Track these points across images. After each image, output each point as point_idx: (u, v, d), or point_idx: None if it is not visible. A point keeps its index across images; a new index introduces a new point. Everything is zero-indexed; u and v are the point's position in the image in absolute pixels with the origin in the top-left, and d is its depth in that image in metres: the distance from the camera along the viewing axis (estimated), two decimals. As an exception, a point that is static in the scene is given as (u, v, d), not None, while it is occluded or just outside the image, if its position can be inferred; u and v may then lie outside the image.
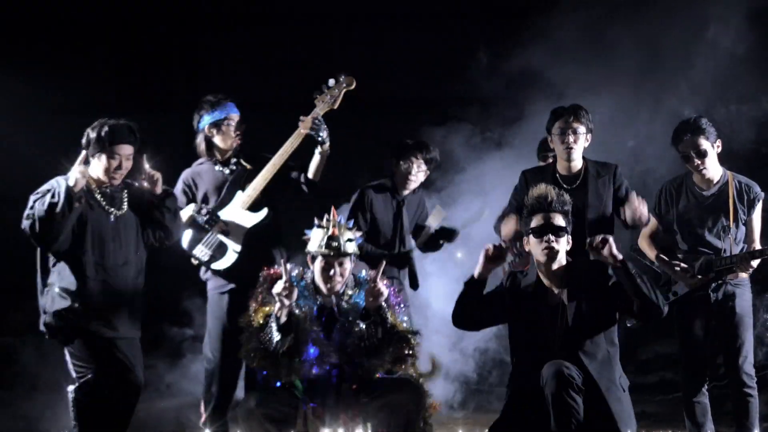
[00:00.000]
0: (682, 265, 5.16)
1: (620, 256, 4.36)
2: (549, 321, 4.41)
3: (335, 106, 5.44)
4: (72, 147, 8.05)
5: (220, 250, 5.39)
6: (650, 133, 6.80)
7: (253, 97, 7.23)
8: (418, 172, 5.77)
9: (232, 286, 5.40)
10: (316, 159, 5.46)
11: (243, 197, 5.42)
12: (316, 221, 4.61)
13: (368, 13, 8.52)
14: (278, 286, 4.43)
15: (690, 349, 5.22)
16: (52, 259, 4.81)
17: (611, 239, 4.40)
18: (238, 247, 5.38)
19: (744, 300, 5.16)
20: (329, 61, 8.20)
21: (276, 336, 4.40)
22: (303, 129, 5.37)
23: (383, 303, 4.51)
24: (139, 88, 8.56)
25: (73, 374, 4.77)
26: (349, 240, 4.57)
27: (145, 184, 4.91)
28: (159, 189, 4.94)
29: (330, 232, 4.53)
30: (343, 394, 4.49)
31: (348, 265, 4.59)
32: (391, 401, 4.45)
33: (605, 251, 4.37)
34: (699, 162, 5.13)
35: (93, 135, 4.79)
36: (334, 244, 4.52)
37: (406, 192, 5.82)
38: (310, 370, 4.50)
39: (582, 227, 4.85)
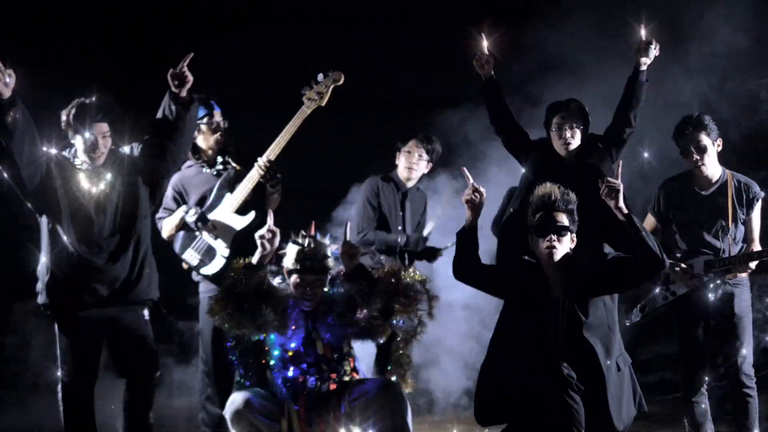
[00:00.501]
0: (682, 265, 5.16)
1: (626, 210, 4.33)
2: (551, 314, 4.40)
3: (323, 103, 5.35)
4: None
5: (208, 255, 5.35)
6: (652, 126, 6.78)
7: (253, 97, 7.24)
8: (420, 161, 5.80)
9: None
10: (269, 199, 5.35)
11: (231, 199, 5.36)
12: (292, 236, 4.61)
13: (369, 13, 8.52)
14: (262, 230, 4.42)
15: (689, 350, 5.22)
16: (45, 239, 4.76)
17: (621, 189, 4.34)
18: (227, 252, 5.32)
19: (743, 300, 5.17)
20: (330, 61, 8.18)
21: (251, 283, 4.40)
22: (256, 172, 5.25)
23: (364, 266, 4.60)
24: (139, 88, 8.55)
25: (60, 367, 4.75)
26: (325, 256, 4.57)
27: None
28: (184, 92, 4.82)
29: (306, 250, 4.53)
30: (324, 396, 4.50)
31: (324, 281, 4.59)
32: (371, 404, 4.45)
33: (613, 202, 4.33)
34: (698, 158, 5.13)
35: (65, 117, 4.77)
36: (308, 263, 4.53)
37: (409, 183, 5.86)
38: (285, 369, 4.50)
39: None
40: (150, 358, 4.85)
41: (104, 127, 4.74)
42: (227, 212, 5.34)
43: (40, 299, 4.77)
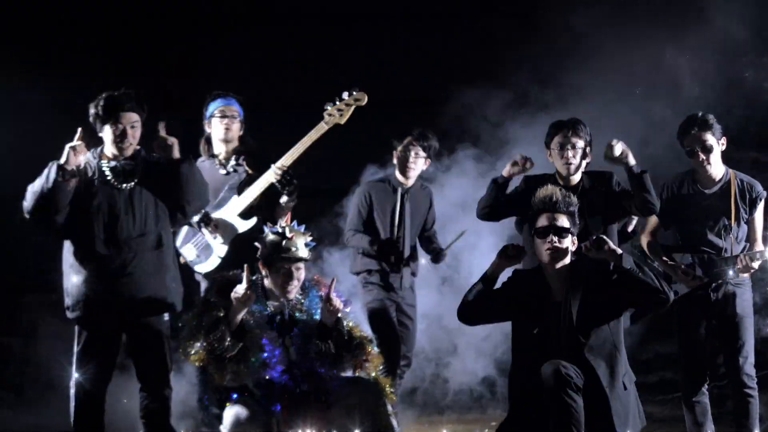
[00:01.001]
0: (683, 266, 5.16)
1: (619, 251, 4.37)
2: (552, 320, 4.40)
3: (342, 122, 5.34)
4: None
5: (205, 253, 5.36)
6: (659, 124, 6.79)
7: (253, 98, 7.21)
8: (417, 159, 5.72)
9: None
10: (282, 207, 5.34)
11: (238, 202, 5.37)
12: (269, 228, 4.63)
13: (369, 13, 8.52)
14: (239, 290, 4.42)
15: (690, 349, 5.22)
16: (67, 241, 4.73)
17: (604, 237, 4.42)
18: (223, 253, 5.33)
19: (744, 300, 5.16)
20: (330, 61, 8.21)
21: (227, 341, 4.39)
22: (272, 177, 5.25)
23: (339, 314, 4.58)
24: (139, 89, 8.54)
25: (75, 366, 4.70)
26: (306, 245, 4.60)
27: (160, 151, 4.76)
28: (175, 154, 4.77)
29: (289, 236, 4.55)
30: (302, 399, 4.50)
31: (303, 270, 4.62)
32: (352, 403, 4.47)
33: (603, 250, 4.36)
34: (704, 157, 5.13)
35: (93, 110, 4.72)
36: (293, 249, 4.54)
37: (408, 182, 5.78)
38: (259, 373, 4.50)
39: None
40: (163, 371, 4.81)
41: (134, 116, 4.70)
42: (232, 214, 5.34)
43: (70, 314, 4.73)
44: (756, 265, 5.12)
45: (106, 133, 4.71)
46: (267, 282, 4.62)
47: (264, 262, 4.62)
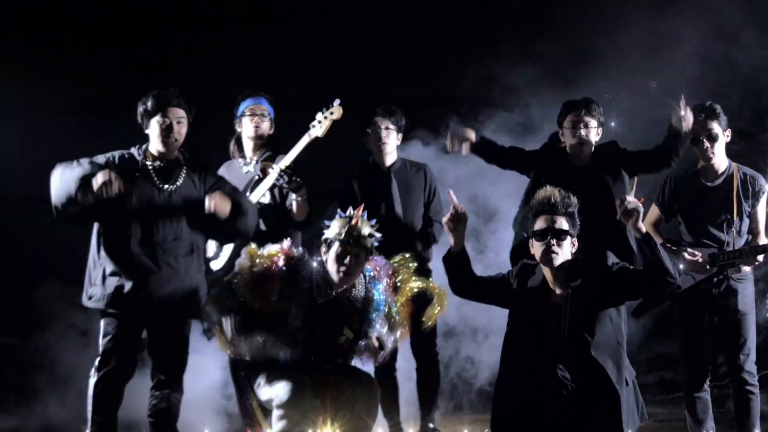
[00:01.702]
0: (689, 250, 5.13)
1: (644, 229, 4.29)
2: (552, 320, 4.35)
3: (321, 134, 5.34)
4: (71, 147, 8.08)
5: (220, 249, 5.36)
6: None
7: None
8: (388, 134, 5.55)
9: None
10: (293, 205, 5.29)
11: None
12: (339, 213, 4.61)
13: (369, 13, 8.52)
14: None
15: (692, 344, 5.19)
16: (98, 232, 4.71)
17: (641, 210, 4.29)
18: (230, 252, 5.31)
19: (747, 296, 5.14)
20: (330, 61, 8.21)
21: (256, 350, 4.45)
22: (272, 179, 5.23)
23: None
24: (139, 89, 8.54)
25: (98, 360, 4.66)
26: (370, 235, 4.57)
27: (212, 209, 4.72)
28: (226, 209, 4.73)
29: (353, 222, 4.54)
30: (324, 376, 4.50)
31: (363, 259, 4.57)
32: (354, 395, 4.50)
33: (632, 221, 4.28)
34: (708, 145, 5.12)
35: (141, 106, 4.77)
36: (354, 233, 4.52)
37: (388, 160, 5.61)
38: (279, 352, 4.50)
39: (596, 212, 4.74)
40: (179, 373, 4.79)
41: (180, 112, 4.74)
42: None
43: (93, 304, 4.70)
44: (761, 258, 5.11)
45: (153, 127, 4.75)
46: (328, 264, 4.57)
47: (325, 244, 4.60)
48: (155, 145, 4.77)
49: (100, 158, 4.74)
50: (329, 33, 8.55)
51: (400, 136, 5.67)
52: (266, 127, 5.49)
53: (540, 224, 4.40)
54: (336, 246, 4.53)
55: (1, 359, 7.57)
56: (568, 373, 4.22)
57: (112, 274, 4.63)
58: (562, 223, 4.38)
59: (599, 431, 4.19)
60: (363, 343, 4.60)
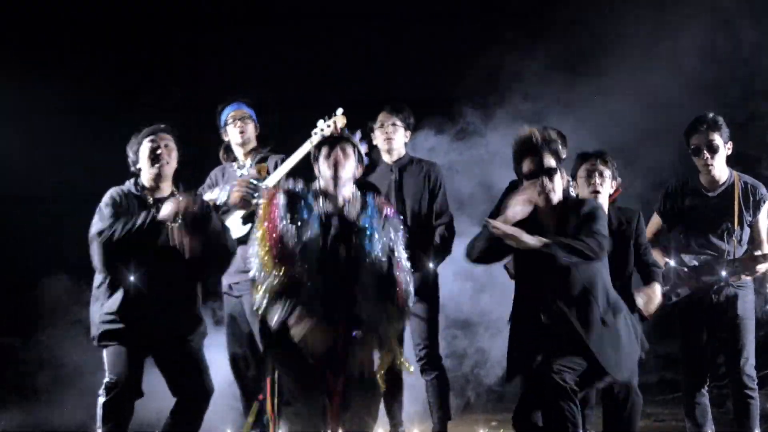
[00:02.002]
0: (685, 270, 5.17)
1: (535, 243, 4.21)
2: (543, 257, 4.24)
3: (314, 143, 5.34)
4: (72, 147, 8.11)
5: None
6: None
7: (254, 98, 7.22)
8: (395, 131, 5.48)
9: (224, 288, 5.36)
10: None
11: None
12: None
13: (369, 13, 8.53)
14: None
15: (691, 350, 5.20)
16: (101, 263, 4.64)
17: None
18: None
19: (746, 302, 5.15)
20: (330, 61, 8.22)
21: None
22: (235, 195, 5.16)
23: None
24: (139, 89, 8.57)
25: (107, 377, 4.60)
26: (352, 135, 4.58)
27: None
28: (194, 207, 4.63)
29: (331, 123, 4.68)
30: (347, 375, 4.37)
31: (351, 155, 4.51)
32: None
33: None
34: (709, 156, 5.12)
35: (130, 147, 4.75)
36: (332, 130, 4.63)
37: (394, 157, 5.51)
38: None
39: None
40: (199, 385, 4.69)
41: (168, 136, 4.76)
42: (236, 217, 5.33)
43: (105, 327, 4.62)
44: (762, 268, 5.11)
45: (143, 154, 4.71)
46: (322, 172, 4.54)
47: (315, 163, 4.57)
48: (147, 174, 4.74)
49: (109, 209, 4.61)
50: (329, 33, 8.57)
51: (408, 133, 5.60)
52: (251, 129, 5.48)
53: (528, 166, 4.32)
54: (323, 151, 4.51)
55: (1, 359, 7.58)
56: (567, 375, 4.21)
57: (114, 299, 4.58)
58: (549, 160, 4.32)
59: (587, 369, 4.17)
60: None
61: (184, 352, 4.68)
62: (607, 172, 4.98)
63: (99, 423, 4.56)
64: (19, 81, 7.80)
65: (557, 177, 4.34)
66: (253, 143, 5.49)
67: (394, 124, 5.48)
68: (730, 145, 5.16)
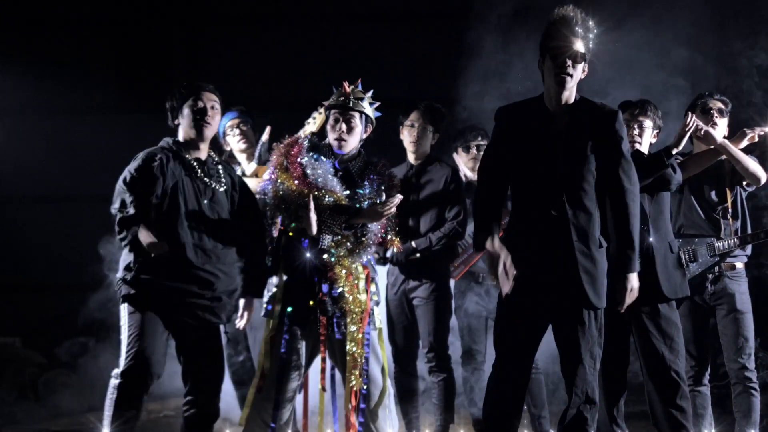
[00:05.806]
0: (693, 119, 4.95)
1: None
2: (550, 147, 4.09)
3: (315, 130, 5.20)
4: (72, 146, 8.12)
5: None
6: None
7: (254, 98, 7.24)
8: (424, 134, 5.39)
9: None
10: None
11: None
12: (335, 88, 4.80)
13: (369, 13, 8.54)
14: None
15: (691, 344, 5.17)
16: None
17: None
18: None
19: (743, 294, 5.10)
20: (330, 61, 8.23)
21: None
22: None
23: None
24: (139, 89, 8.57)
25: (122, 356, 4.38)
26: (360, 99, 4.70)
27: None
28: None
29: (345, 91, 4.71)
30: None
31: (357, 124, 4.70)
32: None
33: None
34: (717, 125, 5.04)
35: (170, 102, 4.55)
36: (342, 99, 4.69)
37: (417, 159, 5.43)
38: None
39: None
40: (214, 374, 4.55)
41: (214, 97, 4.62)
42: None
43: (127, 289, 4.40)
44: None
45: (185, 114, 4.53)
46: (328, 135, 4.78)
47: (325, 117, 4.83)
48: (187, 133, 4.54)
49: (138, 170, 4.38)
50: (329, 33, 8.58)
51: (437, 136, 5.50)
52: (250, 135, 5.54)
53: (556, 42, 4.06)
54: (331, 115, 4.73)
55: (2, 359, 7.60)
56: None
57: (153, 265, 4.36)
58: (580, 46, 4.06)
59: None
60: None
61: (208, 337, 4.51)
62: (648, 123, 4.88)
63: (108, 410, 4.37)
64: (19, 81, 7.83)
65: (580, 66, 4.09)
66: (254, 147, 5.54)
67: (423, 128, 5.41)
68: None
